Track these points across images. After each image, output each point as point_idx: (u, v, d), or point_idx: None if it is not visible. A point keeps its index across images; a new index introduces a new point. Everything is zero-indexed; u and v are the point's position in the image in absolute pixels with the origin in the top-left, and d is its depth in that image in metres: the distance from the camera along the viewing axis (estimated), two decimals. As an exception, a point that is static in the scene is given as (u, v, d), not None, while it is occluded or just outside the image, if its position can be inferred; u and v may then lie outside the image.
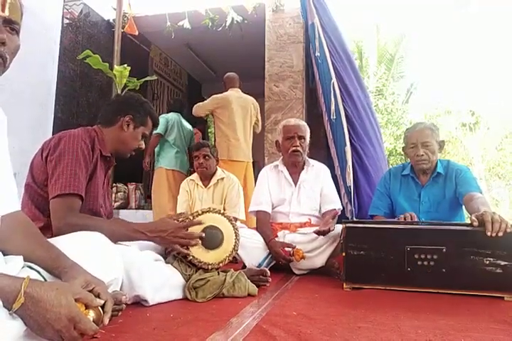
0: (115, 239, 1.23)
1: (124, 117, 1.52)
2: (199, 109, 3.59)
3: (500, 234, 1.44)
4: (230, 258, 1.53)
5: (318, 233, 1.93)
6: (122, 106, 1.56)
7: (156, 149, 3.76)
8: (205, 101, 3.62)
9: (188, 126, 3.92)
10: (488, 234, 1.45)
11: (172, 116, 3.80)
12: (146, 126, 1.58)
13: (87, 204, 1.39)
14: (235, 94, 3.58)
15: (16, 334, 0.66)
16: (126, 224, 1.39)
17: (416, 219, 1.80)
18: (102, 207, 1.47)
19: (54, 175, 1.31)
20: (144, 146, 1.61)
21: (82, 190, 1.33)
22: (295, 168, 2.35)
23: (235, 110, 3.49)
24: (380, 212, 2.16)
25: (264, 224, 2.19)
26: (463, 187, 1.92)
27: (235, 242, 1.54)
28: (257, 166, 4.20)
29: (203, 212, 1.53)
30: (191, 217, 1.49)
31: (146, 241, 1.38)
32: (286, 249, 1.98)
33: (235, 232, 1.56)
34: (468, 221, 1.70)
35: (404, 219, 1.79)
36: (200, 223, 1.43)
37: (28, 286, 0.66)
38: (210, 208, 1.56)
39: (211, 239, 1.47)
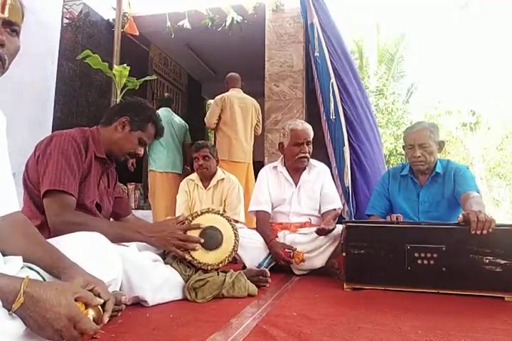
0: (111, 238, 1.22)
1: (121, 118, 1.49)
2: (209, 119, 3.51)
3: (485, 232, 1.47)
4: (230, 259, 1.52)
5: (319, 231, 1.93)
6: (123, 107, 1.54)
7: (147, 150, 3.62)
8: (210, 109, 3.55)
9: (179, 121, 3.79)
10: (473, 232, 1.49)
11: (162, 113, 3.51)
12: (145, 131, 1.52)
13: (78, 203, 1.38)
14: (236, 94, 3.56)
15: (15, 334, 0.66)
16: (123, 223, 1.38)
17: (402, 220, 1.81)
18: (96, 207, 1.46)
19: (45, 173, 1.31)
20: (142, 153, 1.56)
21: (72, 189, 1.32)
22: (297, 171, 2.34)
23: (236, 110, 3.48)
24: (376, 212, 2.16)
25: (264, 224, 2.19)
26: (461, 186, 1.93)
27: (235, 243, 1.54)
28: (259, 166, 4.18)
29: (202, 213, 1.52)
30: (190, 218, 1.48)
31: (142, 241, 1.38)
32: (287, 250, 1.97)
33: (235, 233, 1.55)
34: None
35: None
36: (198, 227, 1.42)
37: (27, 286, 0.66)
38: (209, 209, 1.56)
39: (210, 239, 1.46)
